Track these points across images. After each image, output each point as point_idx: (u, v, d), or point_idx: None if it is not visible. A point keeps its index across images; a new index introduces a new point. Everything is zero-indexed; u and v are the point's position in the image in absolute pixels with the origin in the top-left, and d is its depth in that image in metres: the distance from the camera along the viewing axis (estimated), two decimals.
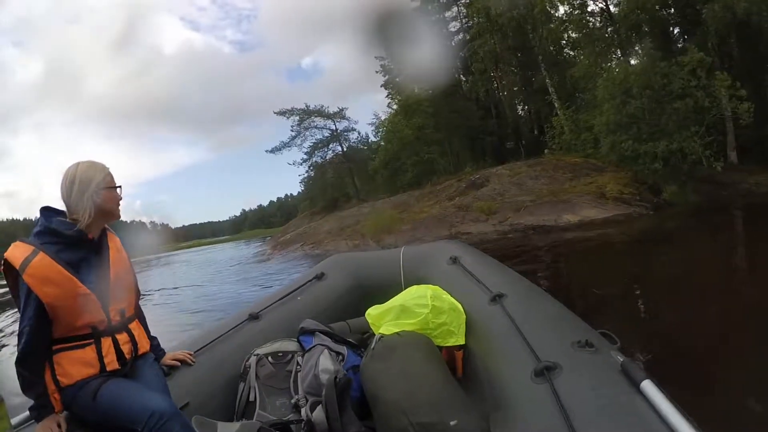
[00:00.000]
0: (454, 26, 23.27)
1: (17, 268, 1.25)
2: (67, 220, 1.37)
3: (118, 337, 1.42)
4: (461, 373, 1.85)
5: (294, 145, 27.01)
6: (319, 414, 1.54)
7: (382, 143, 25.07)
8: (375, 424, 1.51)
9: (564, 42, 18.96)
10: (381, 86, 24.12)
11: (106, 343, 1.38)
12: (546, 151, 18.06)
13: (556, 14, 17.95)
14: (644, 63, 11.84)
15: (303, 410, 1.62)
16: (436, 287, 2.12)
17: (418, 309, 1.92)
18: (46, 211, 1.37)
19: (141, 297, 1.63)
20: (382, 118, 26.08)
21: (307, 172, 28.18)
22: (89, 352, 1.35)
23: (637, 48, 14.42)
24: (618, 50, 15.28)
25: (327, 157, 27.55)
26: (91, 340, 1.36)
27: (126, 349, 1.43)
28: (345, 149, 27.47)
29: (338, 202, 24.55)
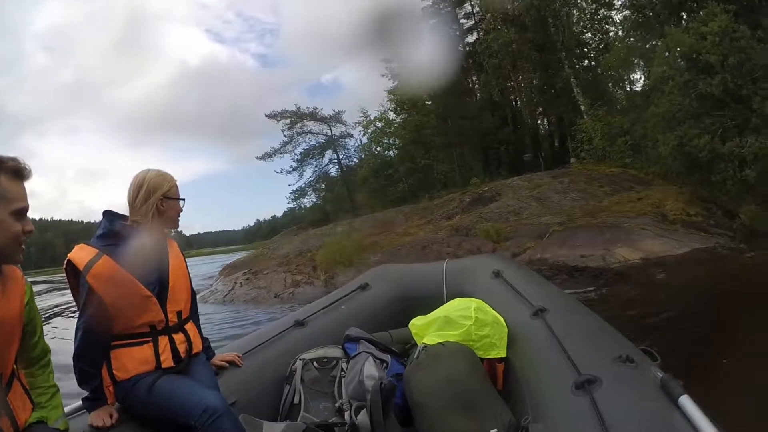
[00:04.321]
0: (467, 25, 20.67)
1: (81, 269, 1.34)
2: (128, 223, 1.45)
3: (174, 336, 1.49)
4: (502, 386, 1.84)
5: (286, 152, 23.50)
6: (363, 418, 1.62)
7: (373, 146, 21.66)
8: (416, 430, 1.59)
9: (589, 36, 16.23)
10: (387, 91, 21.02)
11: (163, 341, 1.46)
12: (573, 160, 15.05)
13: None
14: (723, 21, 8.39)
15: (347, 414, 1.69)
16: (480, 300, 2.12)
17: (461, 321, 1.95)
18: (109, 214, 1.46)
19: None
20: (372, 116, 21.52)
21: (297, 182, 24.31)
22: (146, 350, 1.42)
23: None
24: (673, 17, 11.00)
25: (322, 166, 24.49)
26: (149, 339, 1.43)
27: (182, 348, 1.50)
28: (340, 156, 24.07)
29: (329, 217, 21.35)
